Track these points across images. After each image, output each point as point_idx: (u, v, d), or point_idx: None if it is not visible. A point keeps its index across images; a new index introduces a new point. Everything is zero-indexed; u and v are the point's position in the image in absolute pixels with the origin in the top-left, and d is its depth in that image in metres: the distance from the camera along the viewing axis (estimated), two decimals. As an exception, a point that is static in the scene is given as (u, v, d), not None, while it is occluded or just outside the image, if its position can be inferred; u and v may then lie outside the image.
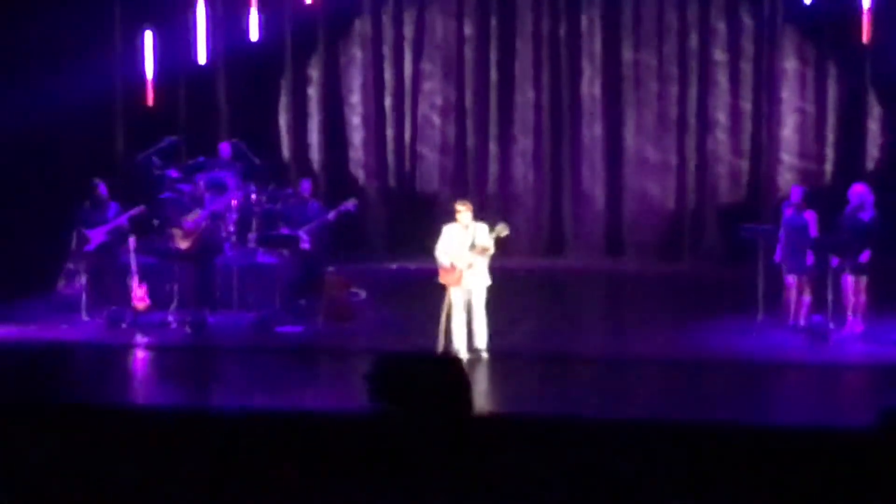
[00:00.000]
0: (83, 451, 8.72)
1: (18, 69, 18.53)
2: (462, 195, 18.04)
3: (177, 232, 17.66)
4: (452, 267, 15.47)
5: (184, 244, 17.61)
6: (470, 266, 15.39)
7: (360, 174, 21.79)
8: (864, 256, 16.28)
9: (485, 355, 15.47)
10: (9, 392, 13.34)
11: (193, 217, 17.75)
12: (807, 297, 16.73)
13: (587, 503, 7.69)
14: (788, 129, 20.82)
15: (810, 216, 16.77)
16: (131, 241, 17.61)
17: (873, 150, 20.28)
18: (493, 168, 21.71)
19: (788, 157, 20.83)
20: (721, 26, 20.98)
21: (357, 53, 21.67)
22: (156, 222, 18.17)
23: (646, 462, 8.78)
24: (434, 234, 15.87)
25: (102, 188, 17.74)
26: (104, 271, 17.82)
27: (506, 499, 5.15)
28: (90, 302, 17.62)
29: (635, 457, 8.91)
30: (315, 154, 21.72)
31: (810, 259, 16.67)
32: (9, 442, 8.24)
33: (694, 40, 21.03)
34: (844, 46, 20.06)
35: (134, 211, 17.73)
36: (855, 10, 19.12)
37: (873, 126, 20.32)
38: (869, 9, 19.06)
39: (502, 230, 15.42)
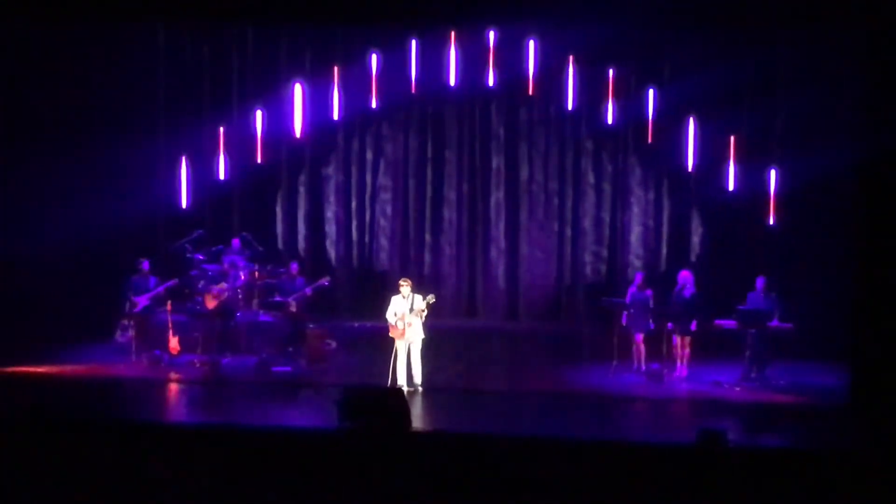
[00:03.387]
0: (129, 455, 8.60)
1: (96, 187, 18.66)
2: (404, 274, 18.01)
3: (207, 297, 17.57)
4: (397, 325, 15.46)
5: (211, 305, 17.51)
6: (410, 325, 15.39)
7: (332, 258, 21.72)
8: (693, 326, 16.40)
9: (421, 388, 15.42)
10: (78, 411, 13.16)
11: (220, 287, 17.69)
12: (645, 349, 16.81)
13: (493, 494, 7.67)
14: (634, 235, 20.92)
15: (649, 293, 16.91)
16: (169, 304, 17.51)
17: (693, 255, 20.34)
18: (427, 256, 21.70)
19: (634, 253, 20.93)
20: (589, 160, 21.10)
21: (332, 172, 21.66)
22: (186, 291, 18.04)
23: (534, 466, 8.76)
24: (385, 302, 15.85)
25: (146, 265, 17.65)
26: (147, 326, 17.67)
27: (434, 488, 5.13)
28: (138, 347, 17.44)
29: (526, 462, 8.89)
30: (301, 244, 21.65)
31: (650, 323, 16.77)
32: (77, 448, 8.13)
33: (570, 168, 21.16)
34: (676, 177, 20.21)
35: (169, 283, 17.61)
36: (684, 149, 19.39)
37: (695, 239, 20.43)
38: (694, 147, 19.34)
39: (430, 299, 15.48)
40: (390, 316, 15.52)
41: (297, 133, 20.32)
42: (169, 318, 17.47)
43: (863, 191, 14.54)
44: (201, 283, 17.91)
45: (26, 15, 15.71)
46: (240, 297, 18.35)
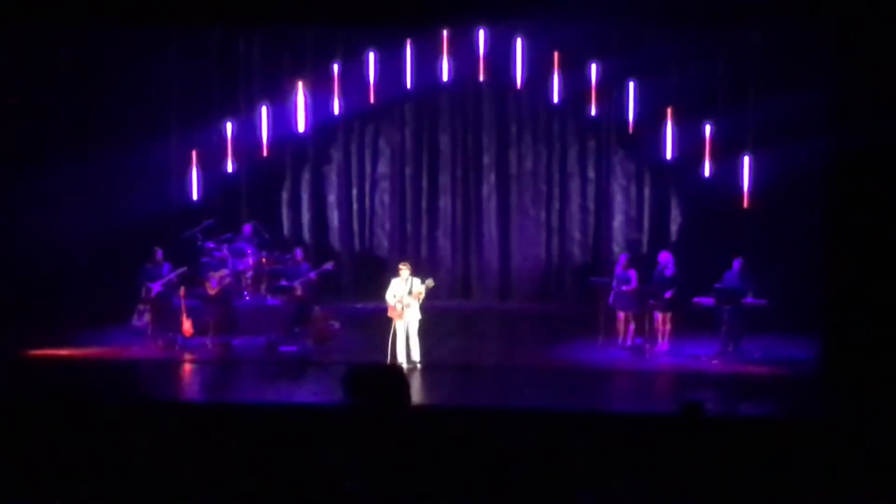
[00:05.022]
0: (148, 431, 8.62)
1: (114, 180, 18.86)
2: (403, 258, 18.00)
3: (208, 283, 17.60)
4: (396, 306, 15.46)
5: (212, 291, 17.52)
6: (408, 305, 15.40)
7: (335, 244, 21.72)
8: (668, 294, 16.42)
9: (419, 365, 15.44)
10: (97, 392, 13.16)
11: (219, 274, 17.70)
12: (631, 326, 16.84)
13: (487, 463, 7.70)
14: (617, 221, 20.91)
15: (632, 273, 16.92)
16: (182, 289, 17.52)
17: (672, 238, 20.28)
18: (424, 241, 21.71)
19: (617, 237, 20.91)
20: (575, 150, 21.09)
21: (334, 164, 21.66)
22: (197, 277, 18.05)
23: (526, 436, 8.80)
24: (385, 284, 15.86)
25: (159, 253, 17.70)
26: (162, 310, 17.66)
27: (432, 459, 5.14)
28: (153, 331, 17.44)
29: (517, 432, 8.92)
30: (305, 231, 21.65)
31: (633, 301, 16.79)
32: (98, 426, 8.13)
33: (557, 159, 21.16)
34: (656, 166, 20.18)
35: (180, 270, 17.65)
36: (663, 140, 19.35)
37: (674, 224, 20.42)
38: (673, 138, 19.30)
39: (429, 283, 15.47)
40: (389, 297, 15.52)
41: (301, 128, 20.29)
42: (182, 303, 17.47)
43: (832, 176, 14.57)
44: (208, 270, 17.96)
45: (52, 22, 15.79)
46: (245, 282, 18.36)
